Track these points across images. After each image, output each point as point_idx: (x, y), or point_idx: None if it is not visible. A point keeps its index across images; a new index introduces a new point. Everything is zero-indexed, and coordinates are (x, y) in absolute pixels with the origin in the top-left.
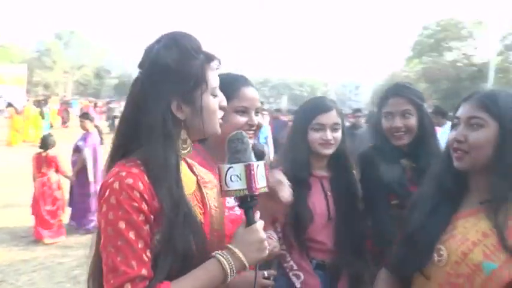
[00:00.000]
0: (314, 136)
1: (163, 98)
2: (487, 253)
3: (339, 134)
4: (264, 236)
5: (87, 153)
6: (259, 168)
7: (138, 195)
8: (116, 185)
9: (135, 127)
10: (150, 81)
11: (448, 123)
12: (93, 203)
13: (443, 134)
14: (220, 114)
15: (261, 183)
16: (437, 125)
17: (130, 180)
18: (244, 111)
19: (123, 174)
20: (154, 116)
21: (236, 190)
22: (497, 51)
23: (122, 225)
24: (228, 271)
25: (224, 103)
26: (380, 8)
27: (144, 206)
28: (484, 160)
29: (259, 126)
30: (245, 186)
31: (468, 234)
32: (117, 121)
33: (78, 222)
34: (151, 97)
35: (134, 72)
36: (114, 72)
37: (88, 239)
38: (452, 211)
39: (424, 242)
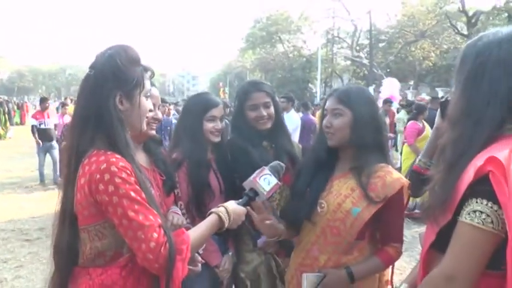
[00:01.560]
0: (208, 126)
1: (112, 88)
2: (354, 202)
3: (223, 124)
4: (243, 218)
5: None
6: (276, 186)
7: (129, 172)
8: (114, 168)
9: (90, 114)
10: (102, 77)
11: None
12: None
13: (288, 118)
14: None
15: (270, 194)
16: (285, 110)
17: (121, 163)
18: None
19: (114, 160)
20: (107, 103)
21: (261, 187)
22: (322, 44)
23: (133, 193)
24: (225, 221)
25: (151, 106)
26: (213, 1)
27: (135, 180)
28: (346, 138)
29: (159, 120)
30: (267, 190)
31: (341, 190)
32: None
33: None
34: (103, 87)
35: None
36: None
37: None
38: (329, 175)
39: (310, 198)
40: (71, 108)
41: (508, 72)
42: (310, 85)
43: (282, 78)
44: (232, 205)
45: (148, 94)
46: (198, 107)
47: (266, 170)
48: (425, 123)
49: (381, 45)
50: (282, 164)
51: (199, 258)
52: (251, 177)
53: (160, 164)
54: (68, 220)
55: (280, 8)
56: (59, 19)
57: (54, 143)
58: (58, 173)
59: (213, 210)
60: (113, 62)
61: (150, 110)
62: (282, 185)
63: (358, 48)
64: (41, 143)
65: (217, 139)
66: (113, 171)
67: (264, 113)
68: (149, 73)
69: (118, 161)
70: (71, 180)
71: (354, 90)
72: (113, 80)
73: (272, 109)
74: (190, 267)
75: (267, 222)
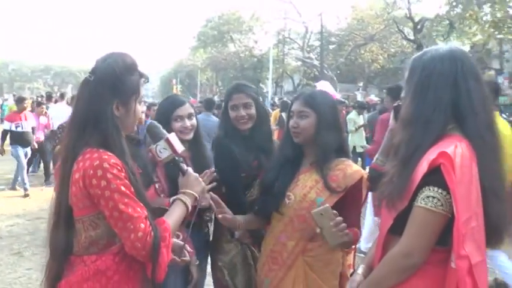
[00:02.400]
0: (176, 125)
1: (110, 97)
2: (318, 192)
3: (194, 121)
4: (196, 175)
5: None
6: (173, 138)
7: (120, 168)
8: (106, 165)
9: (89, 118)
10: (101, 86)
11: None
12: None
13: None
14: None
15: (179, 146)
16: None
17: (113, 160)
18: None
19: (106, 157)
20: (105, 110)
21: (167, 156)
22: (273, 44)
23: (123, 188)
24: (188, 203)
25: (143, 109)
26: None
27: (125, 175)
28: (311, 137)
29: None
30: (171, 152)
31: (306, 183)
32: None
33: None
34: (102, 96)
35: None
36: None
37: None
38: (295, 170)
39: (278, 191)
40: (28, 103)
41: (449, 84)
42: (261, 85)
43: (233, 78)
44: (185, 184)
45: (143, 100)
46: (165, 109)
47: (153, 146)
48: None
49: (331, 47)
50: (152, 123)
51: (188, 248)
52: (166, 154)
53: (138, 160)
54: (63, 212)
55: (231, 8)
56: None
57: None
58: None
59: (174, 197)
60: (112, 71)
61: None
62: (260, 182)
63: (308, 49)
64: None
65: (188, 136)
66: (105, 168)
67: (243, 113)
68: (144, 79)
69: (110, 158)
70: (67, 176)
71: (318, 94)
72: (111, 89)
73: (253, 110)
74: (176, 257)
75: (225, 215)
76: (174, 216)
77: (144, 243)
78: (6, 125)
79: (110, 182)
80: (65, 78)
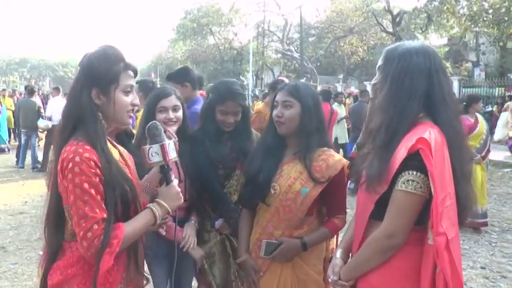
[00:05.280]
0: (160, 117)
1: (86, 84)
2: (303, 183)
3: (179, 114)
4: (178, 190)
5: None
6: (170, 145)
7: (93, 164)
8: (77, 159)
9: (72, 109)
10: (79, 74)
11: None
12: None
13: None
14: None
15: (172, 155)
16: None
17: (87, 154)
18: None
19: (80, 150)
20: (83, 98)
21: (156, 162)
22: (253, 37)
23: (86, 185)
24: (157, 215)
25: (136, 101)
26: None
27: (98, 171)
28: (294, 127)
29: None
30: (161, 159)
31: (290, 173)
32: None
33: None
34: (79, 83)
35: None
36: None
37: None
38: (278, 161)
39: (263, 183)
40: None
41: (424, 75)
42: (241, 77)
43: (213, 71)
44: (163, 195)
45: (128, 89)
46: (150, 100)
47: (146, 147)
48: (479, 117)
49: (311, 39)
50: (154, 123)
51: (170, 223)
52: (156, 159)
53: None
54: (55, 200)
55: (210, 0)
56: None
57: None
58: None
59: (148, 205)
60: (89, 61)
61: (134, 105)
62: (239, 173)
63: (288, 42)
64: None
65: (172, 128)
66: (76, 161)
67: (232, 120)
68: (131, 71)
69: (84, 151)
70: (56, 165)
71: (301, 85)
72: (86, 76)
73: (239, 115)
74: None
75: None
76: (136, 223)
77: (90, 244)
78: None
79: (75, 176)
80: (42, 71)
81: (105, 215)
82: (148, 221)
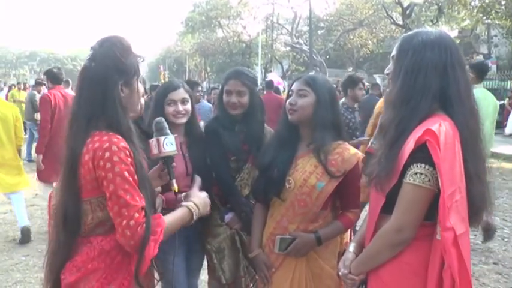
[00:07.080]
0: (169, 110)
1: (115, 79)
2: (318, 177)
3: (188, 106)
4: (209, 201)
5: None
6: (167, 139)
7: (128, 153)
8: (115, 147)
9: (95, 103)
10: (105, 69)
11: None
12: None
13: None
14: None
15: (168, 149)
16: None
17: (122, 144)
18: None
19: (115, 140)
20: (111, 92)
21: (169, 151)
22: (262, 30)
23: (126, 173)
24: (195, 216)
25: (143, 90)
26: None
27: (132, 161)
28: (306, 116)
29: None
30: (175, 149)
31: (305, 167)
32: None
33: None
34: (106, 79)
35: None
36: None
37: None
38: (293, 154)
39: (278, 177)
40: None
41: (439, 72)
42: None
43: (222, 64)
44: (199, 198)
45: (141, 78)
46: (159, 93)
47: (161, 137)
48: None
49: (320, 32)
50: (158, 119)
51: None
52: (155, 152)
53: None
54: (72, 193)
55: None
56: None
57: None
58: None
59: (183, 203)
60: (113, 54)
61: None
62: (250, 166)
63: (297, 34)
64: None
65: (180, 121)
66: (113, 150)
67: (235, 100)
68: (140, 59)
69: (119, 141)
70: (76, 157)
71: (318, 77)
72: (115, 71)
73: (245, 99)
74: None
75: None
76: (174, 217)
77: (134, 232)
78: None
79: (115, 165)
80: (51, 65)
81: (144, 202)
82: (184, 219)
